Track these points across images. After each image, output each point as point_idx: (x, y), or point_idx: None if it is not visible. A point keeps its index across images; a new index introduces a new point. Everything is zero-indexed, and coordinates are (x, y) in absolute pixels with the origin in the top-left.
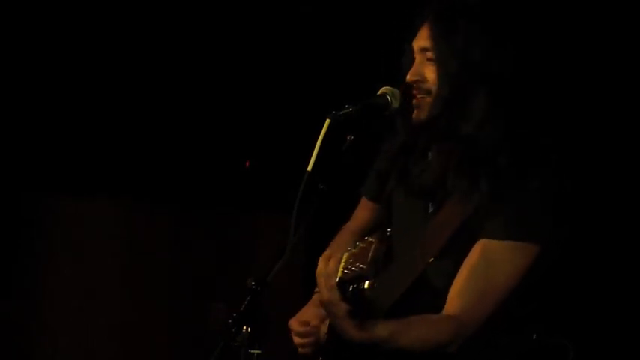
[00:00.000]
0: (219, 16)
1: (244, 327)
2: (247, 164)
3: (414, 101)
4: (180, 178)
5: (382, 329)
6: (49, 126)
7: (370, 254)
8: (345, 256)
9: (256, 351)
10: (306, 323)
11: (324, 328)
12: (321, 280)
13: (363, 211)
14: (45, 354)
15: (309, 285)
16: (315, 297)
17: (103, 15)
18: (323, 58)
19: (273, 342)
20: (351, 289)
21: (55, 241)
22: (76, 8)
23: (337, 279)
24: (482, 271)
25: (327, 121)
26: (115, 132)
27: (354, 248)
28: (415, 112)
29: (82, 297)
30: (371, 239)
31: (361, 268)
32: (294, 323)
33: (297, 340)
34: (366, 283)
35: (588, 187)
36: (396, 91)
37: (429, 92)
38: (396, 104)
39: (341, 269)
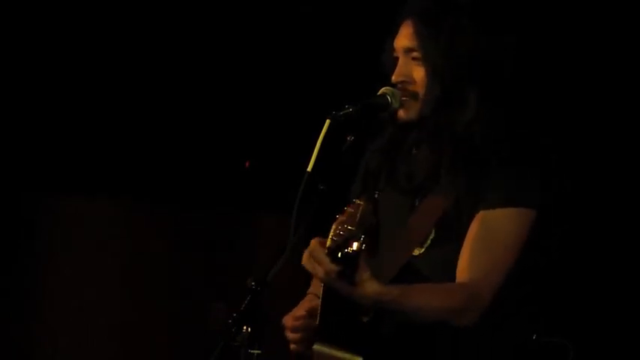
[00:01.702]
0: (219, 16)
1: (244, 327)
2: (247, 164)
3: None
4: (180, 178)
5: (391, 289)
6: (48, 126)
7: (358, 215)
8: (334, 226)
9: (256, 351)
10: (299, 318)
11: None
12: (309, 262)
13: None
14: (45, 354)
15: (309, 285)
16: (307, 297)
17: (103, 15)
18: (323, 58)
19: (273, 342)
20: (339, 255)
21: (55, 241)
22: (76, 8)
23: (326, 249)
24: (485, 241)
25: (327, 122)
26: (115, 132)
27: (342, 215)
28: (400, 110)
29: (82, 297)
30: (358, 201)
31: (349, 230)
32: (288, 319)
33: (290, 335)
34: (354, 244)
35: (588, 187)
36: (396, 92)
37: (415, 95)
38: (396, 104)
39: (330, 239)
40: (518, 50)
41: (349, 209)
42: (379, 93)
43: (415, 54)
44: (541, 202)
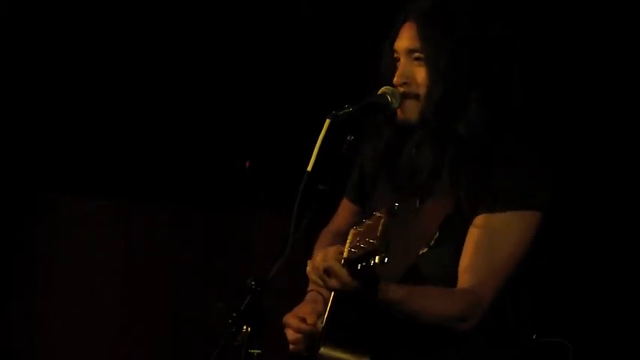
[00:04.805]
0: (220, 17)
1: (244, 327)
2: (247, 164)
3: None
4: (180, 178)
5: (395, 291)
6: (49, 126)
7: (380, 228)
8: (351, 235)
9: (256, 351)
10: (303, 319)
11: (320, 325)
12: (315, 273)
13: (345, 213)
14: (45, 354)
15: (308, 285)
16: (309, 296)
17: (103, 15)
18: (323, 58)
19: (273, 342)
20: (359, 267)
21: (55, 241)
22: (77, 8)
23: (343, 260)
24: (487, 244)
25: (327, 121)
26: (115, 132)
27: (360, 226)
28: (399, 111)
29: (81, 297)
30: (379, 214)
31: (371, 243)
32: (290, 318)
33: (291, 335)
34: (377, 258)
35: (588, 187)
36: (396, 91)
37: (416, 96)
38: (395, 104)
39: (347, 249)
40: (519, 51)
41: (368, 221)
42: (379, 92)
43: (417, 55)
44: (545, 204)
